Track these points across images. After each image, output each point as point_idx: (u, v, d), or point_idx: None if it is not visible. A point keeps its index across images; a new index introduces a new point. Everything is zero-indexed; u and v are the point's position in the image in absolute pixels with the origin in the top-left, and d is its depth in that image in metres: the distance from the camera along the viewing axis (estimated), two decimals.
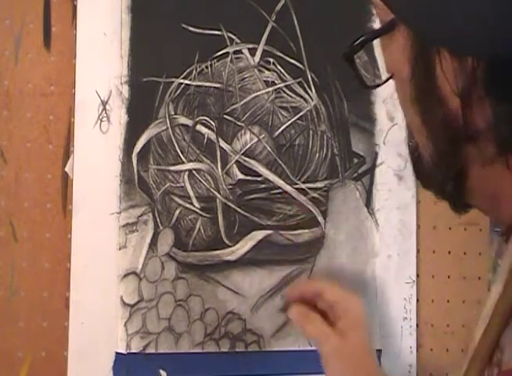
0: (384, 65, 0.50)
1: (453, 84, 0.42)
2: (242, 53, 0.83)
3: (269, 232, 0.83)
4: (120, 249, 0.80)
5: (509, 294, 0.49)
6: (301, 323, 0.74)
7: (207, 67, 0.83)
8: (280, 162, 0.84)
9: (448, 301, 0.89)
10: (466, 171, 0.45)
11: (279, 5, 0.84)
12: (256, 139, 0.83)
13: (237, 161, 0.83)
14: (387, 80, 0.49)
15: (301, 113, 0.85)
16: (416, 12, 0.42)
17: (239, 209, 0.82)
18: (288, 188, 0.84)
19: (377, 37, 0.47)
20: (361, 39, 0.47)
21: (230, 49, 0.83)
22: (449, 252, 0.89)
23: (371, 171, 0.86)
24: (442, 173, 0.46)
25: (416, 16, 0.42)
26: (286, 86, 0.84)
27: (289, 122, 0.84)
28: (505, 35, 0.40)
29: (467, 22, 0.40)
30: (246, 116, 0.83)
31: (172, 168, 0.82)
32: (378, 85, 0.52)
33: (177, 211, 0.81)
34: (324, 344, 0.72)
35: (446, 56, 0.42)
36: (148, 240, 0.80)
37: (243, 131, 0.83)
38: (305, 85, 0.85)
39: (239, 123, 0.83)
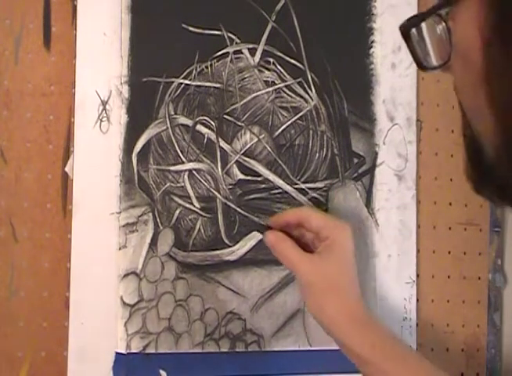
0: (435, 49, 0.45)
1: None
2: (242, 53, 0.83)
3: None
4: (120, 249, 0.80)
5: None
6: (276, 247, 0.70)
7: (207, 67, 0.83)
8: (280, 162, 0.84)
9: (448, 301, 0.89)
10: None
11: (279, 5, 0.84)
12: (256, 139, 0.83)
13: (237, 161, 0.83)
14: (445, 62, 0.44)
15: (301, 114, 0.85)
16: None
17: (239, 209, 0.82)
18: (288, 188, 0.84)
19: (447, 6, 0.41)
20: (424, 12, 0.40)
21: (230, 49, 0.83)
22: (449, 252, 0.89)
23: (371, 171, 0.86)
24: (509, 169, 0.39)
25: None
26: (286, 86, 0.84)
27: (289, 122, 0.84)
28: None
29: None
30: (246, 116, 0.83)
31: (172, 168, 0.82)
32: (435, 68, 0.46)
33: (177, 211, 0.81)
34: (297, 270, 0.67)
35: None
36: (148, 240, 0.80)
37: (243, 131, 0.83)
38: (305, 85, 0.85)
39: (239, 123, 0.83)
